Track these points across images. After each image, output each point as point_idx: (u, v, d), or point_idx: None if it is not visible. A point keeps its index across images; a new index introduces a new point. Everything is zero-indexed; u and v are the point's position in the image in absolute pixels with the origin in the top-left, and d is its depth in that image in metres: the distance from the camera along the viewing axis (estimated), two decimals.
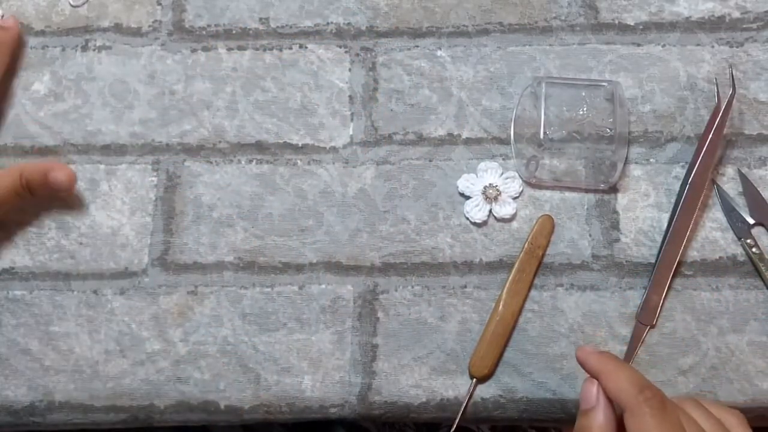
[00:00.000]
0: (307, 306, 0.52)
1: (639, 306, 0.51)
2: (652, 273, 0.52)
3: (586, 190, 0.54)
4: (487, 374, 0.50)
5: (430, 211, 0.54)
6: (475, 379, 0.50)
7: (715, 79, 0.55)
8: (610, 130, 0.54)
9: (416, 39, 0.59)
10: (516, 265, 0.52)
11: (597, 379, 0.41)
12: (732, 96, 0.53)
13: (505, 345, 0.51)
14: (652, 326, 0.51)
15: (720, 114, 0.53)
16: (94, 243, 0.54)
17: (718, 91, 0.54)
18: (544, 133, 0.53)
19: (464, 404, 0.50)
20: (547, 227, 0.53)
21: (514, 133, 0.55)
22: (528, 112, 0.56)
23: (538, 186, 0.54)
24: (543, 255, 0.53)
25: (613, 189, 0.54)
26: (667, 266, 0.51)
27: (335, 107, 0.57)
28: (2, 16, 0.60)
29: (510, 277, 0.52)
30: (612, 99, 0.54)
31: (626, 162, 0.55)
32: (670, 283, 0.51)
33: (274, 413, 0.50)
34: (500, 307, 0.51)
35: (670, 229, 0.52)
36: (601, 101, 0.54)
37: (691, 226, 0.52)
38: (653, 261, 0.52)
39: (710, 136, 0.52)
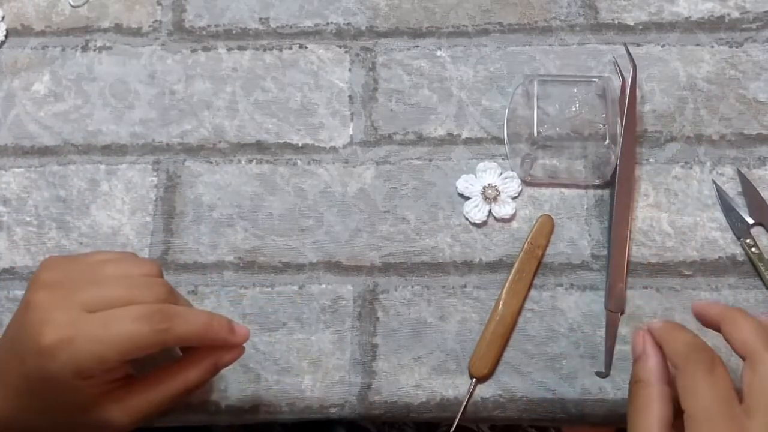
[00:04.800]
0: (307, 306, 0.52)
1: (605, 295, 0.51)
2: (608, 261, 0.52)
3: (582, 186, 0.54)
4: (486, 374, 0.50)
5: (430, 211, 0.54)
6: (474, 379, 0.50)
7: (613, 56, 0.57)
8: (604, 125, 0.54)
9: (416, 39, 0.59)
10: (516, 265, 0.52)
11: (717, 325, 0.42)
12: (634, 71, 0.55)
13: (505, 345, 0.51)
14: (623, 312, 0.51)
15: (628, 87, 0.54)
16: (94, 243, 0.54)
17: (619, 68, 0.56)
18: (538, 131, 0.53)
19: (464, 404, 0.50)
20: (547, 227, 0.53)
21: (508, 131, 0.56)
22: (521, 111, 0.56)
23: (534, 184, 0.54)
24: (543, 255, 0.53)
25: (613, 188, 0.54)
26: (621, 251, 0.52)
27: (335, 107, 0.57)
28: (3, 18, 0.60)
29: (510, 277, 0.52)
30: (604, 94, 0.54)
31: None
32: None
33: (274, 413, 0.50)
34: (500, 306, 0.51)
35: (613, 211, 0.52)
36: (593, 97, 0.55)
37: (632, 204, 0.53)
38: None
39: (625, 112, 0.54)
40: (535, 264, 0.52)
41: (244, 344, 0.45)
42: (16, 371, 0.40)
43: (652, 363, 0.42)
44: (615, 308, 0.51)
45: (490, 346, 0.50)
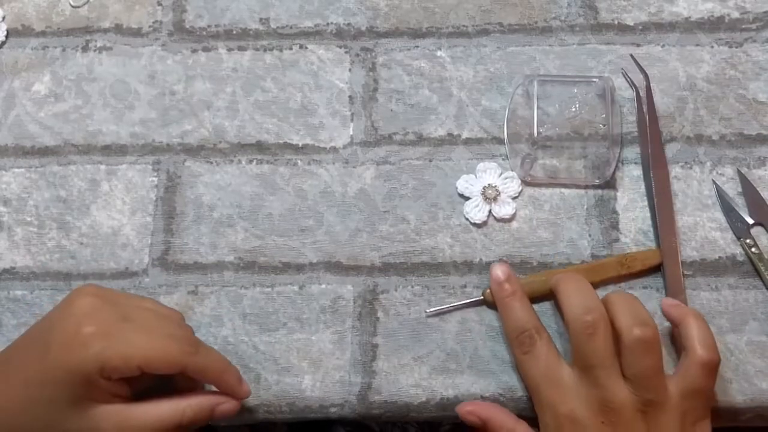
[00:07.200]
0: (307, 306, 0.52)
1: None
2: (663, 276, 0.52)
3: (582, 186, 0.54)
4: None
5: (430, 211, 0.54)
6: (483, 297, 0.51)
7: (622, 69, 0.57)
8: (603, 125, 0.54)
9: (416, 39, 0.59)
10: (598, 262, 0.52)
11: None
12: (648, 81, 0.55)
13: (532, 300, 0.50)
14: None
15: (646, 96, 0.55)
16: (94, 243, 0.54)
17: (631, 80, 0.56)
18: (538, 131, 0.54)
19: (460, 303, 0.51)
20: (652, 260, 0.52)
21: (508, 131, 0.56)
22: (521, 111, 0.56)
23: (534, 184, 0.54)
24: (624, 275, 0.52)
25: (613, 189, 0.54)
26: (674, 262, 0.51)
27: (335, 107, 0.57)
28: (3, 18, 0.60)
29: (584, 266, 0.52)
30: (603, 95, 0.54)
31: (626, 162, 0.55)
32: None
33: (274, 413, 0.50)
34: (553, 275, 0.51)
35: (658, 226, 0.52)
36: (593, 97, 0.55)
37: (675, 216, 0.53)
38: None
39: (647, 125, 0.54)
40: (613, 274, 0.51)
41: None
42: (35, 361, 0.41)
43: (499, 419, 0.47)
44: None
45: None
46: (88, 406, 0.42)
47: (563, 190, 0.55)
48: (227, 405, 0.46)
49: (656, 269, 0.52)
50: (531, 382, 0.47)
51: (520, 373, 0.49)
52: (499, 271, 0.49)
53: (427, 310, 0.51)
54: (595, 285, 0.51)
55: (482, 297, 0.51)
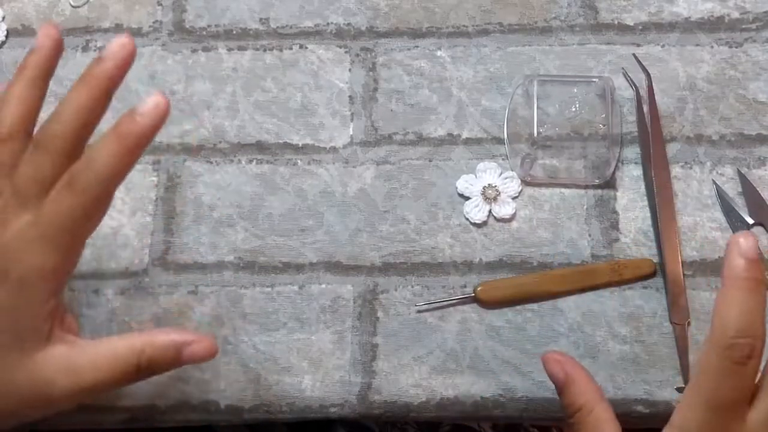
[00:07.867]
0: (307, 306, 0.52)
1: (668, 310, 0.51)
2: (663, 275, 0.52)
3: (582, 186, 0.54)
4: (491, 300, 0.51)
5: (430, 211, 0.54)
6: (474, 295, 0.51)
7: (623, 69, 0.56)
8: (603, 125, 0.54)
9: (416, 39, 0.59)
10: (590, 267, 0.52)
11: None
12: (650, 80, 0.55)
13: (522, 300, 0.51)
14: (689, 323, 0.51)
15: (648, 96, 0.55)
16: (94, 243, 0.54)
17: (631, 80, 0.56)
18: (538, 130, 0.54)
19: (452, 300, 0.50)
20: (644, 269, 0.52)
21: (508, 131, 0.56)
22: (521, 111, 0.56)
23: (534, 184, 0.54)
24: (616, 281, 0.52)
25: (613, 189, 0.54)
26: (675, 261, 0.51)
27: (335, 107, 0.57)
28: (3, 18, 0.60)
29: (577, 270, 0.52)
30: (603, 95, 0.54)
31: (626, 162, 0.55)
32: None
33: (274, 413, 0.50)
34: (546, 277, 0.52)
35: (659, 226, 0.52)
36: (593, 97, 0.55)
37: (676, 216, 0.53)
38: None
39: (649, 127, 0.54)
40: (604, 280, 0.52)
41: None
42: None
43: (584, 385, 0.42)
44: (681, 320, 0.51)
45: (508, 286, 0.51)
46: (34, 350, 0.37)
47: (563, 190, 0.55)
48: (199, 346, 0.39)
49: (648, 278, 0.52)
50: (709, 395, 0.35)
51: (700, 371, 0.36)
52: (747, 245, 0.35)
53: (417, 305, 0.52)
54: (587, 290, 0.52)
55: (473, 294, 0.51)
